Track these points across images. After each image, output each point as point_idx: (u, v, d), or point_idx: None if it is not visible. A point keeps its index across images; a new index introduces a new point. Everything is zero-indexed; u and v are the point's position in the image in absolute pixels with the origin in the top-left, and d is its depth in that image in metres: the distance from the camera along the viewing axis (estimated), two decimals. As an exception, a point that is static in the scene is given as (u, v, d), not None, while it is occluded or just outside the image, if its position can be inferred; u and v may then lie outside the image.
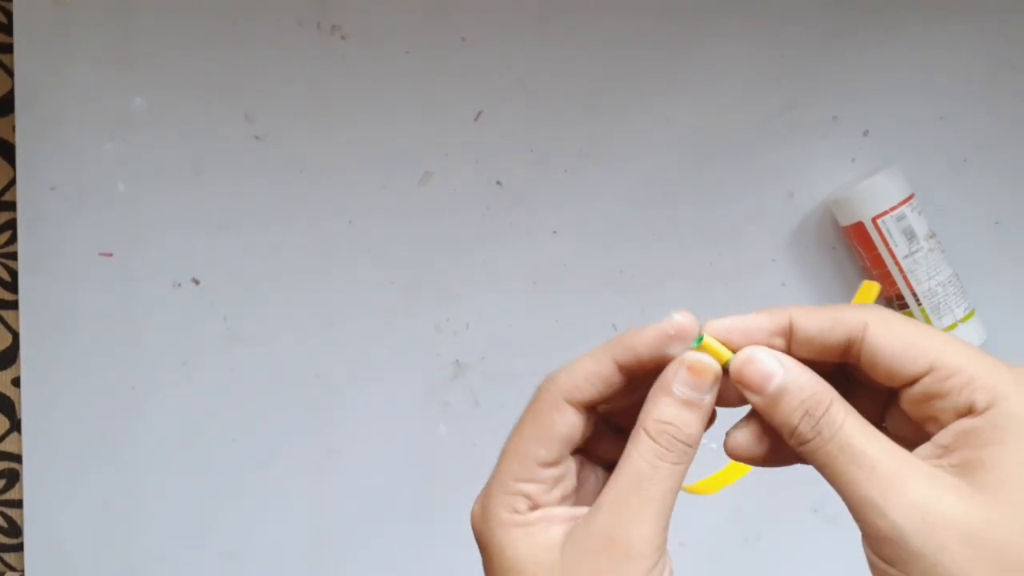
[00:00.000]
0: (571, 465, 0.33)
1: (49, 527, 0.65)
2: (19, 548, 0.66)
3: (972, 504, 0.27)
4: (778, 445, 0.32)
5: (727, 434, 0.33)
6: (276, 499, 0.66)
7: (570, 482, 0.33)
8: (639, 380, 0.32)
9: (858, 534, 0.29)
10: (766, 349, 0.31)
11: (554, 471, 0.32)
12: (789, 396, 0.30)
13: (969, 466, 0.28)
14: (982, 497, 0.27)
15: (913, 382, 0.30)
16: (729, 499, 0.62)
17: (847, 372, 0.32)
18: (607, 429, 0.35)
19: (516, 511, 0.32)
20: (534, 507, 0.32)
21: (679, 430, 0.31)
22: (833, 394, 0.30)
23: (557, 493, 0.32)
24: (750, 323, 0.32)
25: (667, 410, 0.31)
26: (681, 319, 0.31)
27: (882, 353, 0.30)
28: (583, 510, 0.32)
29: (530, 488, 0.32)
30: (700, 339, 0.31)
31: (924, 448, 0.29)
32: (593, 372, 0.32)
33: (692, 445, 0.31)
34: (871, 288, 0.35)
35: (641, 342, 0.32)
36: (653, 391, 0.32)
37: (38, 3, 0.61)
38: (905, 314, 0.62)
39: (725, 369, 0.31)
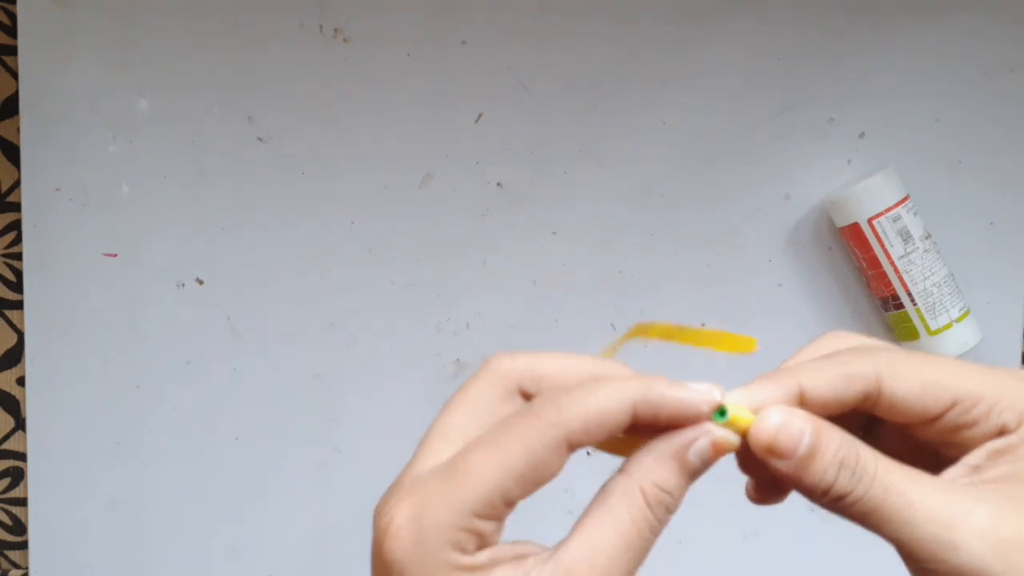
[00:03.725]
0: None
1: (53, 525, 0.66)
2: (24, 546, 0.66)
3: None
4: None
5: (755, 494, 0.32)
6: (279, 497, 0.66)
7: None
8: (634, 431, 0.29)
9: (856, 532, 0.29)
10: (785, 410, 0.28)
11: (511, 508, 0.27)
12: (820, 453, 0.28)
13: (1008, 480, 0.28)
14: None
15: (936, 417, 0.29)
16: (727, 496, 0.62)
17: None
18: None
19: (464, 550, 0.27)
20: (481, 546, 0.27)
21: (674, 502, 0.28)
22: (854, 438, 0.28)
23: (502, 530, 0.28)
24: (758, 400, 0.29)
25: (672, 478, 0.28)
26: (718, 399, 0.28)
27: (901, 402, 0.29)
28: (524, 547, 0.28)
29: (487, 527, 0.27)
30: (723, 410, 0.28)
31: (954, 470, 0.29)
32: (608, 418, 0.27)
33: (672, 514, 0.28)
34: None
35: (668, 406, 0.28)
36: (661, 451, 0.28)
37: (42, 5, 0.61)
38: (900, 315, 0.63)
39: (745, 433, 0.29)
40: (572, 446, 0.27)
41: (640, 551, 0.27)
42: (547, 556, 0.27)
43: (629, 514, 0.27)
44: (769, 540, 0.68)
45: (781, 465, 0.28)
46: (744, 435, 0.28)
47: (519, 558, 0.27)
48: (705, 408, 0.28)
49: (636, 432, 0.29)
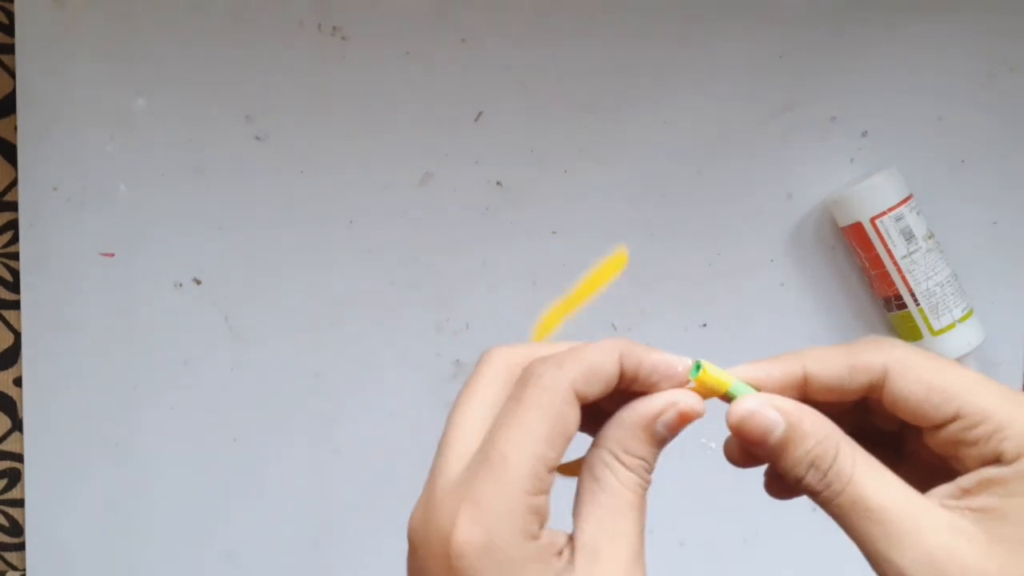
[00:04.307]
0: None
1: (50, 526, 0.65)
2: (20, 547, 0.66)
3: (990, 556, 0.27)
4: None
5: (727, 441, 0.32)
6: (277, 498, 0.66)
7: None
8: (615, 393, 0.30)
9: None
10: (762, 398, 0.29)
11: (554, 474, 0.28)
12: (792, 447, 0.28)
13: (991, 513, 0.27)
14: (1002, 549, 0.27)
15: (939, 426, 0.28)
16: (728, 498, 0.62)
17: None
18: None
19: (532, 535, 0.27)
20: (542, 523, 0.28)
21: (649, 465, 0.29)
22: (839, 438, 0.28)
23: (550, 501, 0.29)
24: (760, 375, 0.30)
25: (643, 447, 0.29)
26: (690, 362, 0.29)
27: (904, 401, 0.29)
28: (561, 534, 0.28)
29: (541, 501, 0.27)
30: (698, 366, 0.29)
31: (944, 488, 0.29)
32: (603, 367, 0.29)
33: (652, 473, 0.30)
34: (620, 259, 0.34)
35: (649, 361, 0.29)
36: (631, 420, 0.29)
37: (39, 3, 0.61)
38: (903, 315, 0.62)
39: (725, 397, 0.30)
40: (580, 396, 0.28)
41: (640, 510, 0.28)
42: (571, 545, 0.28)
43: (618, 480, 0.28)
44: (770, 542, 0.67)
45: (754, 451, 0.29)
46: (723, 397, 0.30)
47: (560, 553, 0.28)
48: (680, 367, 0.29)
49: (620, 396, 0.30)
